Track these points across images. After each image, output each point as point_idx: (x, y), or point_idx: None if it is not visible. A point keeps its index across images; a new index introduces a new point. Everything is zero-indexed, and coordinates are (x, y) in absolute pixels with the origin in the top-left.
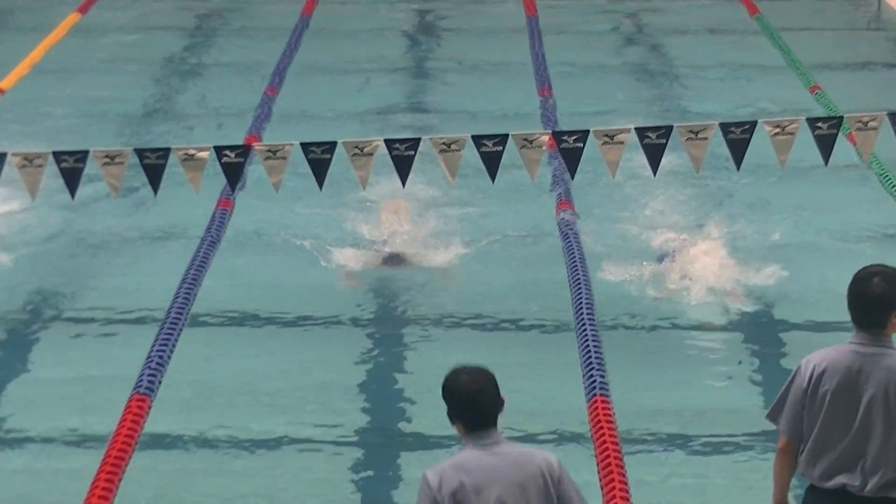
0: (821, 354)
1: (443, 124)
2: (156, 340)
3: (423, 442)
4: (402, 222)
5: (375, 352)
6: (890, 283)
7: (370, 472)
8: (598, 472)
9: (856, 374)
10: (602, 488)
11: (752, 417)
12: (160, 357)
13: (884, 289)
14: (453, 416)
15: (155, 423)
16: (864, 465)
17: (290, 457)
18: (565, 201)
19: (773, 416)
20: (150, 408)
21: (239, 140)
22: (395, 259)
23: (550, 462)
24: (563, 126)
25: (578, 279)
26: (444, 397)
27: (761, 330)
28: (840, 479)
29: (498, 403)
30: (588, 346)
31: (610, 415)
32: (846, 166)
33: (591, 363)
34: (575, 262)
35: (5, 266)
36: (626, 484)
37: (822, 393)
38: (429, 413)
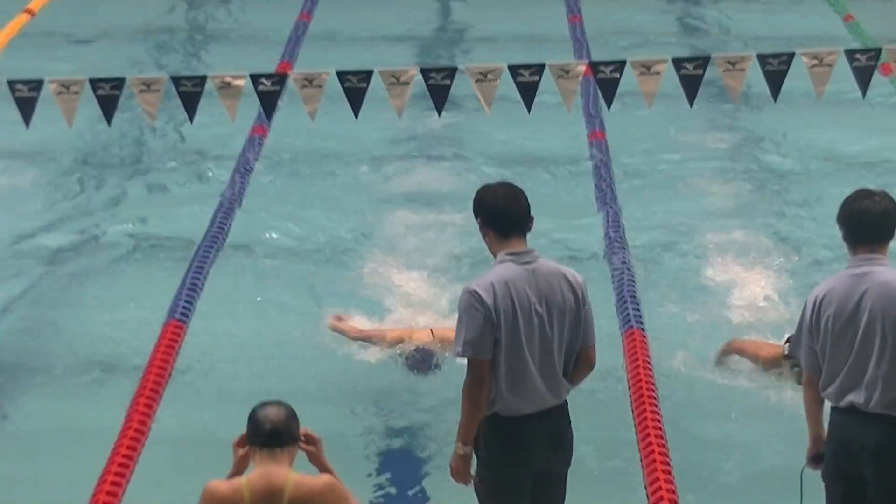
0: (822, 285)
1: (479, 54)
2: (189, 267)
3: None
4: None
5: None
6: (890, 201)
7: None
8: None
9: (852, 296)
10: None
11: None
12: (194, 284)
13: (888, 203)
14: (487, 223)
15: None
16: (867, 382)
17: None
18: (598, 131)
19: (793, 351)
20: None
21: (271, 68)
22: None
23: (581, 281)
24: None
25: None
26: (476, 209)
27: None
28: (849, 398)
29: (529, 218)
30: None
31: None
32: None
33: (624, 297)
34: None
35: (46, 190)
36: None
37: (824, 321)
38: None
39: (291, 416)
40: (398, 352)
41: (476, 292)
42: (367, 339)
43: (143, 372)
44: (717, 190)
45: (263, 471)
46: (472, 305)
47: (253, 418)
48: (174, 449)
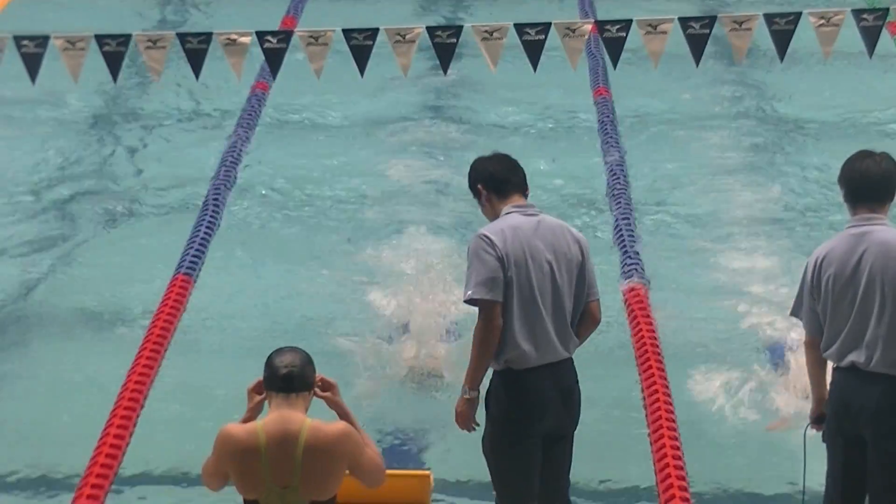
0: (822, 246)
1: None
2: (198, 223)
3: None
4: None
5: None
6: (891, 161)
7: None
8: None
9: (852, 256)
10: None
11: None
12: (203, 239)
13: (889, 164)
14: (487, 188)
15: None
16: (867, 342)
17: None
18: (603, 87)
19: (795, 313)
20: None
21: (274, 25)
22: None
23: (583, 238)
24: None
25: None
26: (474, 178)
27: None
28: (850, 358)
29: (527, 185)
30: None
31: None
32: None
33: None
34: None
35: (54, 145)
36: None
37: (824, 281)
38: None
39: (307, 362)
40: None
41: (486, 236)
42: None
43: (149, 325)
44: (722, 147)
45: (279, 414)
46: (482, 248)
47: (269, 363)
48: (177, 401)
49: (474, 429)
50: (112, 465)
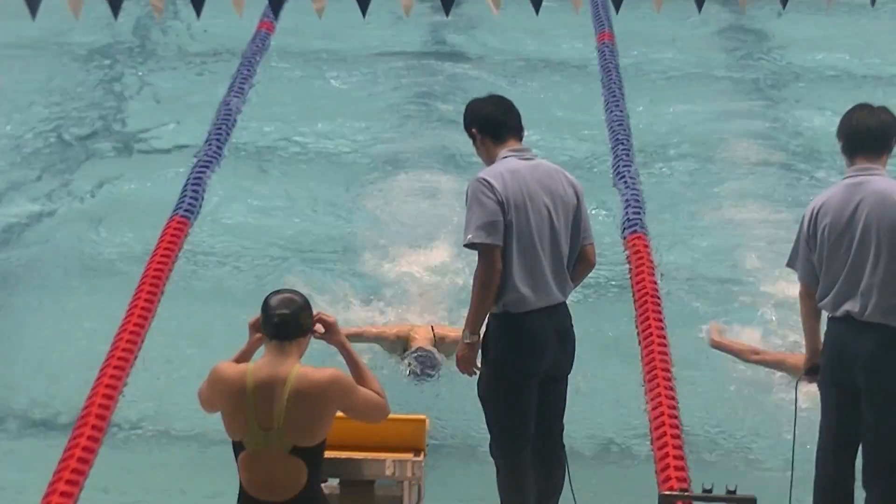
0: (819, 196)
1: None
2: (195, 164)
3: None
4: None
5: None
6: (889, 114)
7: None
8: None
9: (848, 205)
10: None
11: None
12: (198, 181)
13: (887, 117)
14: (482, 131)
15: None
16: (862, 291)
17: None
18: (607, 32)
19: (791, 263)
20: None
21: None
22: None
23: (577, 182)
24: None
25: None
26: (470, 120)
27: None
28: (845, 307)
29: (522, 127)
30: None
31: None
32: None
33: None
34: None
35: (58, 80)
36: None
37: (821, 230)
38: None
39: (302, 307)
40: (402, 358)
41: (485, 179)
42: (367, 337)
43: (145, 267)
44: (723, 94)
45: (269, 360)
46: (481, 192)
47: (265, 307)
48: (173, 344)
49: (475, 373)
50: (109, 405)
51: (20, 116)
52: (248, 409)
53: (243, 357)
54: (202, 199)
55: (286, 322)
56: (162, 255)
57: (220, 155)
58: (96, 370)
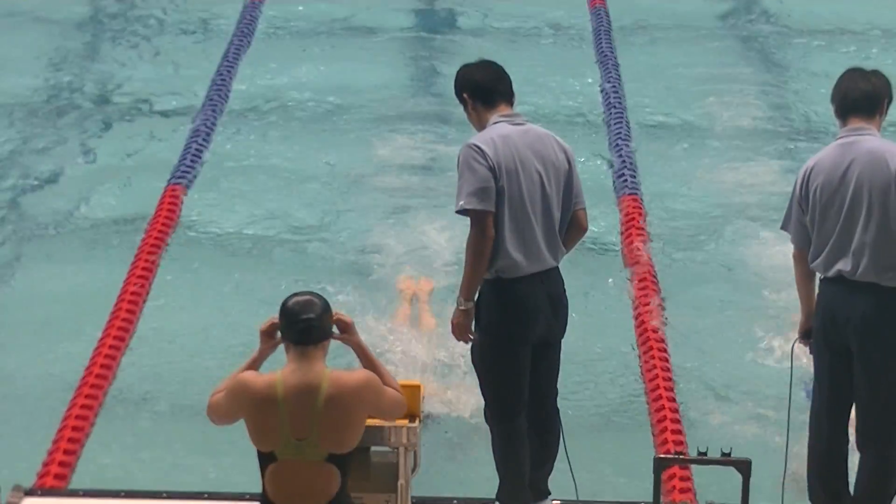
0: (812, 158)
1: None
2: (192, 131)
3: None
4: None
5: None
6: (882, 77)
7: None
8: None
9: (840, 165)
10: None
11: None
12: (197, 148)
13: (879, 80)
14: (473, 96)
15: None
16: (854, 249)
17: None
18: None
19: (784, 225)
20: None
21: None
22: None
23: (568, 147)
24: None
25: None
26: (461, 86)
27: None
28: (837, 266)
29: (513, 92)
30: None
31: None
32: None
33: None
34: None
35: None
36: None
37: (813, 190)
38: None
39: (324, 310)
40: None
41: (477, 146)
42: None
43: (144, 234)
44: (717, 54)
45: (297, 367)
46: (473, 158)
47: (285, 312)
48: (173, 309)
49: (471, 339)
50: (107, 375)
51: (11, 82)
52: (280, 419)
53: (255, 364)
54: (200, 165)
55: (312, 327)
56: (162, 224)
57: (216, 119)
58: (96, 337)
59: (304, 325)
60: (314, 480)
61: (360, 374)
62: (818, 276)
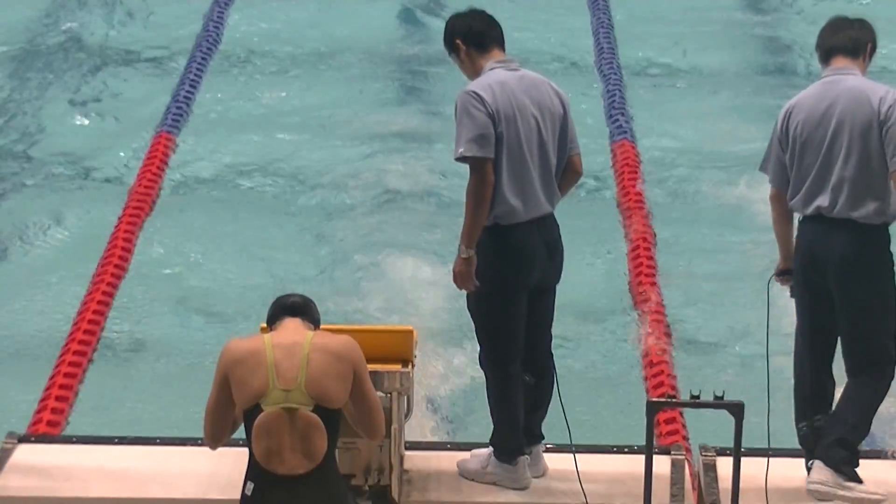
0: (793, 98)
1: None
2: (181, 79)
3: None
4: None
5: None
6: (867, 25)
7: None
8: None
9: (821, 102)
10: None
11: None
12: (187, 95)
13: (862, 25)
14: (466, 41)
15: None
16: (833, 185)
17: None
18: None
19: (763, 167)
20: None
21: None
22: None
23: (563, 92)
24: None
25: None
26: (452, 32)
27: None
28: (816, 203)
29: (503, 39)
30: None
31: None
32: None
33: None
34: None
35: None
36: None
37: (793, 127)
38: None
39: (311, 302)
40: None
41: (475, 92)
42: None
43: (133, 183)
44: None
45: (284, 329)
46: (471, 104)
47: (275, 302)
48: (164, 255)
49: (473, 288)
50: (99, 321)
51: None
52: (268, 367)
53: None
54: (189, 112)
55: (299, 304)
56: (151, 171)
57: (206, 66)
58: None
59: (292, 302)
60: (301, 434)
61: (345, 335)
62: (796, 216)
